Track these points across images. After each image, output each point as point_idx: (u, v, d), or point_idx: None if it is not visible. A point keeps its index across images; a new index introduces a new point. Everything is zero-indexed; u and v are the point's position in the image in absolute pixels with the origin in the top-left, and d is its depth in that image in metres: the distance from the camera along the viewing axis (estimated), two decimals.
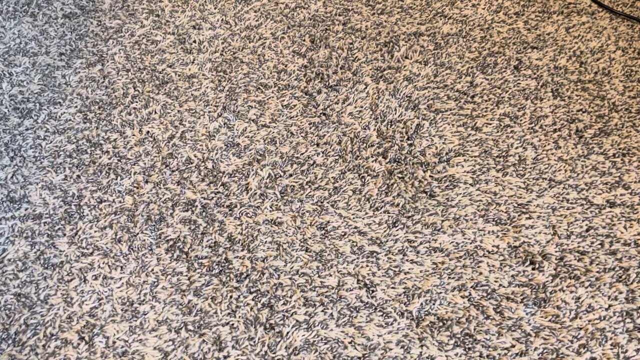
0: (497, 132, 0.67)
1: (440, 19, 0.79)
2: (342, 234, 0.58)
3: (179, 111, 0.67)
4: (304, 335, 0.52)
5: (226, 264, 0.56)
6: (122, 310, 0.53)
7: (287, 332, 0.52)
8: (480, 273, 0.55)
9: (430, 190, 0.61)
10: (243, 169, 0.62)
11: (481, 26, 0.79)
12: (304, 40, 0.75)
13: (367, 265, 0.56)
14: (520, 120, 0.68)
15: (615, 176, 0.63)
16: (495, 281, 0.55)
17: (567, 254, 0.57)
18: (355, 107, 0.68)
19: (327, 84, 0.71)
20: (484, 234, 0.58)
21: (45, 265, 0.55)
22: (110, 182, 0.61)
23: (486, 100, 0.70)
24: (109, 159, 0.62)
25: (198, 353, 0.51)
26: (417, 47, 0.75)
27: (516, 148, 0.65)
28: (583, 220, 0.60)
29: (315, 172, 0.62)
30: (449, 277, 0.55)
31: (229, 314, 0.53)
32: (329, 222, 0.59)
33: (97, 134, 0.64)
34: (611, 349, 0.51)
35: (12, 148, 0.63)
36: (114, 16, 0.76)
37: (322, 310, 0.53)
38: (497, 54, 0.75)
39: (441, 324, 0.52)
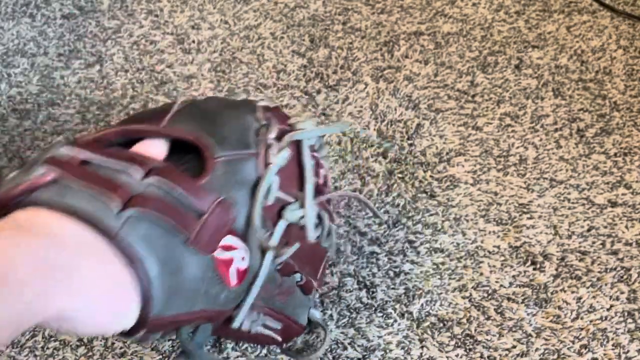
0: (498, 131, 0.67)
1: (441, 18, 0.79)
2: (343, 233, 0.58)
3: None
4: (303, 336, 0.52)
5: None
6: None
7: None
8: (481, 274, 0.55)
9: (431, 191, 0.61)
10: None
11: (482, 25, 0.78)
12: (304, 40, 0.75)
13: (367, 266, 0.56)
14: (521, 120, 0.68)
15: (616, 176, 0.63)
16: (496, 282, 0.55)
17: (569, 254, 0.57)
18: (355, 107, 0.68)
19: (326, 83, 0.70)
20: (485, 234, 0.58)
21: None
22: None
23: (487, 100, 0.70)
24: None
25: None
26: (417, 46, 0.75)
27: (517, 147, 0.65)
28: (584, 220, 0.59)
29: None
30: (450, 278, 0.55)
31: None
32: None
33: None
34: (613, 349, 0.51)
35: (10, 149, 0.63)
36: (113, 16, 0.76)
37: (322, 311, 0.53)
38: (497, 53, 0.75)
39: (442, 324, 0.52)
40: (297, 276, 0.47)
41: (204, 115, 0.41)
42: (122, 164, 0.34)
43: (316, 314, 0.51)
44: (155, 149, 0.38)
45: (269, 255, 0.41)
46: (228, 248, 0.37)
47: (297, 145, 0.44)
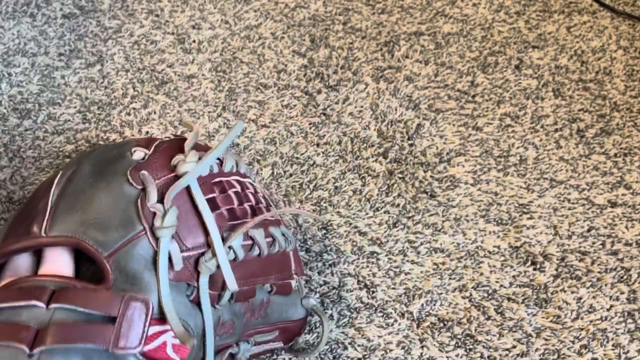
0: (498, 131, 0.67)
1: (441, 19, 0.79)
2: (343, 233, 0.58)
3: (178, 111, 0.67)
4: (305, 336, 0.52)
5: None
6: None
7: None
8: (481, 274, 0.55)
9: (431, 191, 0.61)
10: None
11: (482, 25, 0.78)
12: (304, 40, 0.75)
13: (368, 266, 0.56)
14: (522, 120, 0.68)
15: (616, 176, 0.63)
16: (497, 282, 0.55)
17: (569, 254, 0.57)
18: (356, 107, 0.68)
19: (327, 83, 0.70)
20: (485, 234, 0.58)
21: None
22: None
23: (487, 100, 0.70)
24: None
25: None
26: (417, 46, 0.75)
27: (517, 148, 0.65)
28: (584, 221, 0.59)
29: (316, 172, 0.62)
30: (450, 278, 0.55)
31: None
32: (330, 222, 0.59)
33: (96, 135, 0.64)
34: (612, 349, 0.51)
35: (11, 149, 0.63)
36: (113, 16, 0.76)
37: (322, 311, 0.53)
38: (497, 54, 0.75)
39: (442, 324, 0.52)
40: (267, 287, 0.45)
41: (79, 202, 0.40)
42: (21, 300, 0.35)
43: (310, 302, 0.49)
44: (60, 261, 0.38)
45: (208, 312, 0.40)
46: (156, 336, 0.37)
47: (188, 189, 0.41)
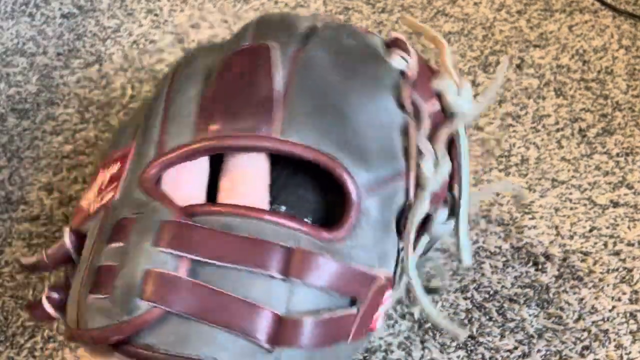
0: (500, 131, 0.66)
1: (442, 18, 0.79)
2: None
3: None
4: None
5: None
6: None
7: None
8: (483, 274, 0.55)
9: None
10: None
11: (483, 25, 0.78)
12: None
13: None
14: (523, 120, 0.68)
15: (618, 176, 0.63)
16: (498, 282, 0.55)
17: (570, 254, 0.57)
18: None
19: None
20: (487, 235, 0.58)
21: None
22: None
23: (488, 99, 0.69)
24: None
25: None
26: (418, 45, 0.75)
27: (519, 148, 0.65)
28: (586, 221, 0.59)
29: None
30: (451, 279, 0.55)
31: None
32: None
33: (95, 135, 0.64)
34: (615, 350, 0.51)
35: (9, 149, 0.62)
36: (112, 16, 0.76)
37: None
38: (499, 53, 0.75)
39: None
40: None
41: (328, 102, 0.27)
42: (250, 262, 0.25)
43: None
44: (257, 179, 0.27)
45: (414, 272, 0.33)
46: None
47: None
